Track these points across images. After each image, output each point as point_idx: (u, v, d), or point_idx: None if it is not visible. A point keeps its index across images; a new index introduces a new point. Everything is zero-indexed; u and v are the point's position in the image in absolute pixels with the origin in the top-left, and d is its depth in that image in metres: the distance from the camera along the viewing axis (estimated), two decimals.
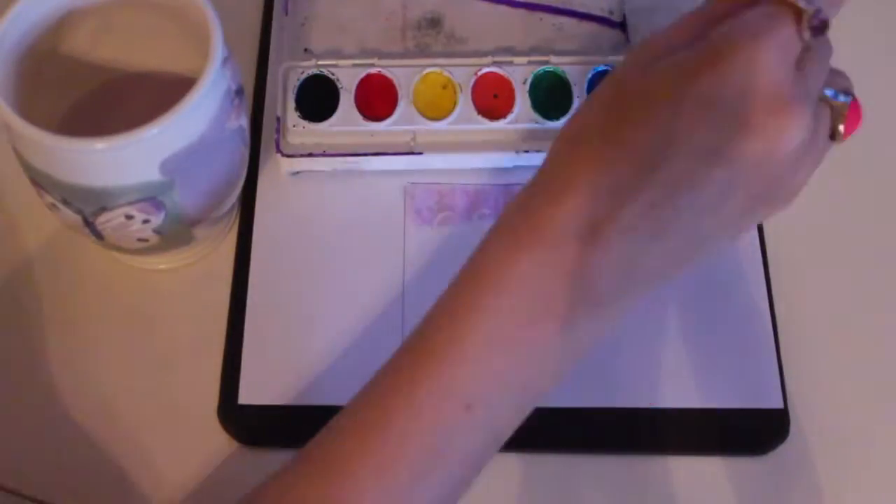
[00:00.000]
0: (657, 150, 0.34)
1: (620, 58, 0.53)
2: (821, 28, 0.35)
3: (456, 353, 0.35)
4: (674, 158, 0.33)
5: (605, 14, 0.56)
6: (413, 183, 0.51)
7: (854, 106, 0.38)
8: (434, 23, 0.56)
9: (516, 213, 0.36)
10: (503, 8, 0.57)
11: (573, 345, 0.36)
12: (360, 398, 0.37)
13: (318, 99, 0.51)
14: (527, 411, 0.37)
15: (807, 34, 0.34)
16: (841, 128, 0.37)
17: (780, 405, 0.46)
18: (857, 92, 0.55)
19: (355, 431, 0.36)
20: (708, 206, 0.34)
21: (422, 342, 0.36)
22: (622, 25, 0.56)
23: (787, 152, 0.34)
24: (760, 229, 0.51)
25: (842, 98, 0.37)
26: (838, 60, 0.57)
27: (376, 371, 0.37)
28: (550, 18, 0.56)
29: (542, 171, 0.37)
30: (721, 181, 0.34)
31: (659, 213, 0.34)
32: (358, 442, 0.35)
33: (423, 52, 0.55)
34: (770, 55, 0.33)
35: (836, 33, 0.58)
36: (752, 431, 0.46)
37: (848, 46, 0.57)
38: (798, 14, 0.34)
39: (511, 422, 0.37)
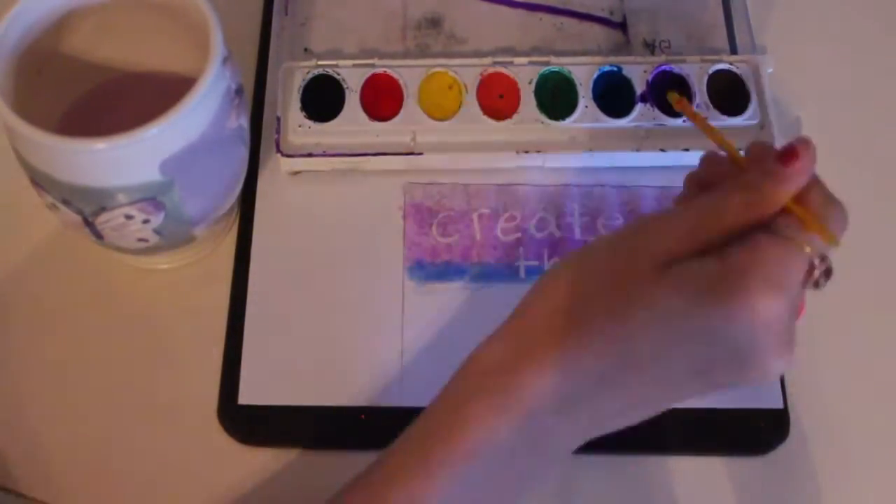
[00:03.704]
0: (644, 355, 0.35)
1: (620, 58, 0.53)
2: (827, 276, 0.36)
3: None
4: (657, 368, 0.35)
5: (605, 14, 0.56)
6: (413, 183, 0.51)
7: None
8: (434, 23, 0.56)
9: (491, 375, 0.36)
10: (503, 8, 0.57)
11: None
12: None
13: (321, 99, 0.51)
14: None
15: (814, 284, 0.36)
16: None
17: (780, 405, 0.46)
18: (856, 91, 0.55)
19: None
20: (680, 398, 0.36)
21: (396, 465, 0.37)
22: (622, 25, 0.56)
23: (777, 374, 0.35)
24: None
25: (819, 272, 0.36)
26: (840, 59, 0.57)
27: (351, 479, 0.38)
28: (550, 18, 0.56)
29: (509, 333, 0.37)
30: (702, 393, 0.36)
31: (627, 402, 0.36)
32: None
33: (423, 52, 0.55)
34: (781, 306, 0.34)
35: (838, 32, 0.59)
36: (752, 431, 0.46)
37: (848, 46, 0.57)
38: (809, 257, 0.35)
39: None
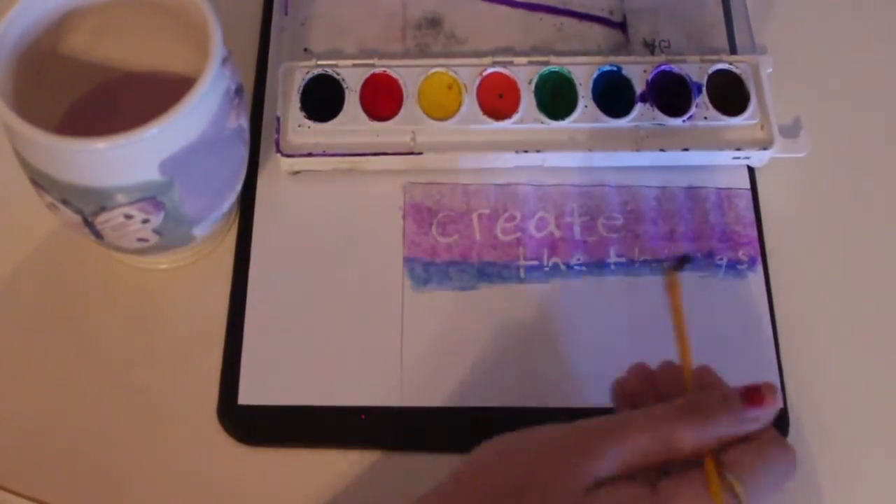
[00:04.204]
0: None
1: (620, 58, 0.53)
2: None
3: None
4: None
5: (605, 14, 0.56)
6: (413, 182, 0.51)
7: None
8: (434, 23, 0.56)
9: None
10: (503, 8, 0.57)
11: None
12: None
13: (321, 99, 0.51)
14: None
15: None
16: None
17: (780, 405, 0.46)
18: (856, 91, 0.55)
19: None
20: None
21: None
22: (622, 25, 0.56)
23: None
24: (760, 229, 0.51)
25: None
26: (840, 59, 0.57)
27: None
28: (550, 18, 0.56)
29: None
30: None
31: None
32: None
33: (423, 52, 0.55)
34: None
35: (838, 32, 0.58)
36: None
37: (848, 46, 0.57)
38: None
39: None
